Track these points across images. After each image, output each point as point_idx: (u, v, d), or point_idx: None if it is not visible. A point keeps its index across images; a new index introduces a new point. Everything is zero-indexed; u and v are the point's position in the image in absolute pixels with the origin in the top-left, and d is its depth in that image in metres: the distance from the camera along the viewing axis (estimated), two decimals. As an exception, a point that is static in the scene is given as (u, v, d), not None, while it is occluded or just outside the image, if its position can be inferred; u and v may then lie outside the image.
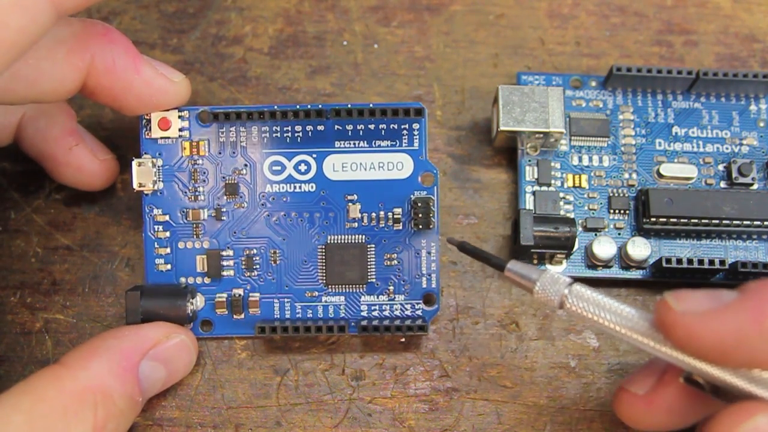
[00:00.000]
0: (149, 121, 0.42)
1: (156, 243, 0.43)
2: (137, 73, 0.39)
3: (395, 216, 0.42)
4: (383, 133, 0.42)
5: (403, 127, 0.42)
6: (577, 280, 0.43)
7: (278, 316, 0.43)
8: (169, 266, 0.43)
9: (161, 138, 0.42)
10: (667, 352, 0.34)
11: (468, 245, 0.39)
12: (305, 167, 0.42)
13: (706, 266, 0.41)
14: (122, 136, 0.45)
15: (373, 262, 0.42)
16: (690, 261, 0.41)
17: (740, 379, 0.33)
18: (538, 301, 0.36)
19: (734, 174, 0.44)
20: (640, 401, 0.36)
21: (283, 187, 0.43)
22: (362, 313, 0.42)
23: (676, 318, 0.32)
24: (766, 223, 0.42)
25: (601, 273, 0.44)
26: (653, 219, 0.43)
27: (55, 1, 0.32)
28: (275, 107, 0.41)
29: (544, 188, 0.44)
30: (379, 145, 0.42)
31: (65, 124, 0.42)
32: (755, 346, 0.31)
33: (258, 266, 0.43)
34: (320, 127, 0.42)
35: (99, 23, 0.38)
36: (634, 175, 0.44)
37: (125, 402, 0.37)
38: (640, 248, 0.43)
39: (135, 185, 0.42)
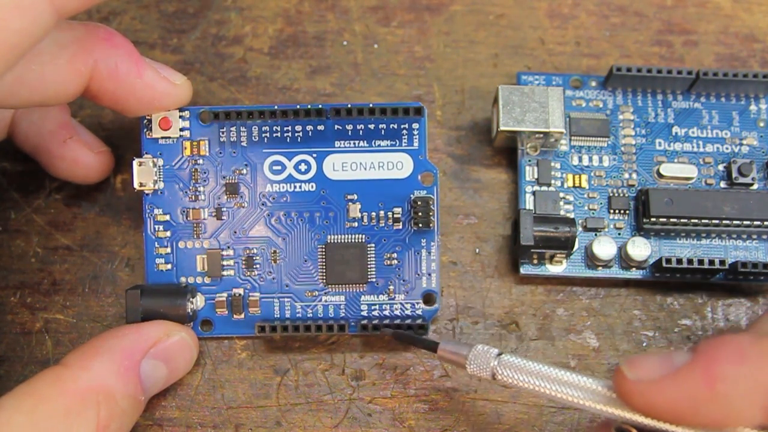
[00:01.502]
0: (150, 121, 0.42)
1: (156, 243, 0.43)
2: (139, 76, 0.39)
3: (395, 215, 0.42)
4: (383, 132, 0.42)
5: (402, 126, 0.42)
6: (578, 280, 0.43)
7: (278, 316, 0.43)
8: (169, 266, 0.43)
9: (162, 138, 0.42)
10: (598, 409, 0.34)
11: (401, 333, 0.41)
12: (305, 167, 0.43)
13: (706, 266, 0.41)
14: (122, 136, 0.45)
15: (373, 262, 0.42)
16: (690, 261, 0.41)
17: None
18: (473, 375, 0.37)
19: (734, 174, 0.44)
20: None
21: (283, 187, 0.43)
22: (362, 313, 0.42)
23: (631, 387, 0.33)
24: (766, 223, 0.42)
25: (601, 273, 0.44)
26: (653, 219, 0.43)
27: (56, 3, 0.32)
28: (275, 107, 0.41)
29: (544, 188, 0.44)
30: (379, 145, 0.42)
31: (59, 117, 0.42)
32: (710, 409, 0.31)
33: (258, 266, 0.43)
34: (320, 127, 0.42)
35: (101, 27, 0.38)
36: (634, 175, 0.44)
37: (128, 401, 0.37)
38: (640, 248, 0.43)
39: (136, 185, 0.42)
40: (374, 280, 0.42)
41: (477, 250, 0.45)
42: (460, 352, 0.37)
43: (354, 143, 0.42)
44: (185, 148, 0.42)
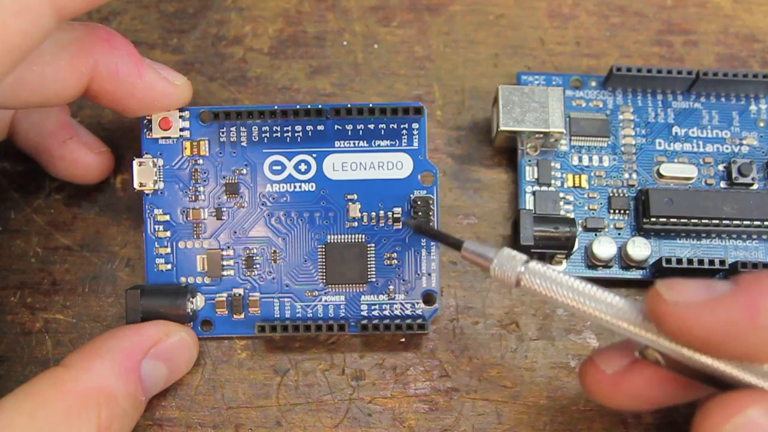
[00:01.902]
0: (150, 121, 0.42)
1: (156, 243, 0.43)
2: (140, 77, 0.39)
3: (395, 215, 0.42)
4: (383, 132, 0.42)
5: (402, 126, 0.42)
6: (581, 277, 0.43)
7: (278, 316, 0.43)
8: (169, 266, 0.43)
9: (162, 138, 0.42)
10: (623, 328, 0.34)
11: (424, 226, 0.40)
12: (305, 167, 0.43)
13: (706, 266, 0.41)
14: (122, 136, 0.45)
15: (373, 262, 0.42)
16: (690, 261, 0.41)
17: (732, 369, 0.32)
18: (495, 279, 0.36)
19: (734, 174, 0.44)
20: (606, 380, 0.35)
21: (283, 187, 0.43)
22: (362, 313, 0.42)
23: (668, 308, 0.32)
24: (766, 223, 0.43)
25: (601, 273, 0.44)
26: (653, 219, 0.43)
27: (57, 4, 0.32)
28: (275, 107, 0.41)
29: (544, 188, 0.44)
30: (379, 145, 0.42)
31: (59, 117, 0.42)
32: (747, 340, 0.31)
33: (258, 266, 0.43)
34: (320, 127, 0.42)
35: (102, 28, 0.38)
36: (634, 175, 0.44)
37: (129, 402, 0.37)
38: (640, 248, 0.43)
39: (136, 185, 0.42)
40: (374, 280, 0.42)
41: (477, 250, 0.45)
42: (485, 253, 0.36)
43: (354, 143, 0.42)
44: (185, 148, 0.42)
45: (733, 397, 0.32)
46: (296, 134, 0.42)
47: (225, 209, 0.43)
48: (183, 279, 0.43)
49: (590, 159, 0.45)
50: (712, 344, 0.31)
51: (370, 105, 0.41)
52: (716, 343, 0.31)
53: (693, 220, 0.42)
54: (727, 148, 0.45)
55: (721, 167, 0.45)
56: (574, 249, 0.43)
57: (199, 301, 0.42)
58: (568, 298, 0.34)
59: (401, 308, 0.42)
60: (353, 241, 0.42)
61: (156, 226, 0.43)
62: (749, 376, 0.32)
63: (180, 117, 0.42)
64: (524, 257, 0.35)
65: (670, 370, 0.34)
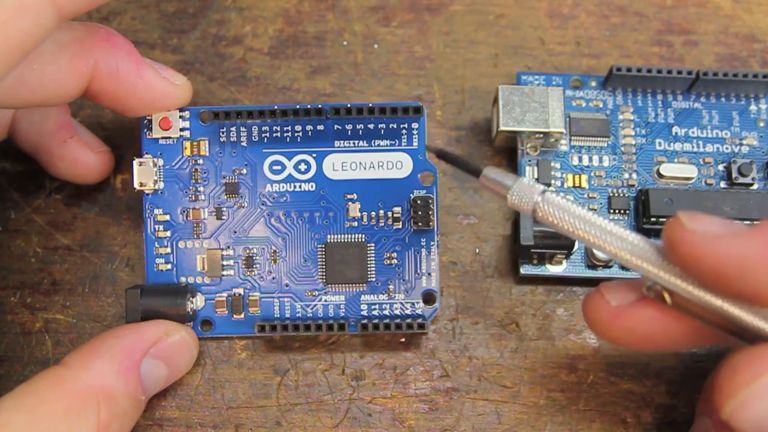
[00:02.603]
0: (150, 121, 0.42)
1: (156, 242, 0.43)
2: (140, 77, 0.39)
3: (395, 215, 0.42)
4: (383, 132, 0.42)
5: (402, 126, 0.42)
6: (578, 280, 0.43)
7: (278, 316, 0.43)
8: (169, 266, 0.43)
9: (162, 138, 0.42)
10: (633, 262, 0.34)
11: (445, 151, 0.39)
12: (305, 167, 0.43)
13: (706, 266, 0.41)
14: (122, 136, 0.45)
15: (373, 261, 0.42)
16: (690, 261, 0.41)
17: (737, 309, 0.32)
18: (512, 207, 0.36)
19: (734, 174, 0.44)
20: (609, 311, 0.35)
21: (283, 187, 0.43)
22: (362, 312, 0.42)
23: (685, 235, 0.32)
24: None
25: (601, 273, 0.44)
26: (653, 219, 0.43)
27: (58, 4, 0.32)
28: (275, 107, 0.41)
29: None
30: (379, 145, 0.42)
31: (59, 117, 0.43)
32: (758, 278, 0.31)
33: (258, 266, 0.43)
34: (320, 127, 0.42)
35: (102, 27, 0.38)
36: (634, 175, 0.44)
37: (128, 401, 0.37)
38: (640, 248, 0.43)
39: (136, 185, 0.42)
40: (374, 279, 0.42)
41: (477, 250, 0.45)
42: (504, 181, 0.36)
43: (353, 143, 0.42)
44: (185, 148, 0.42)
45: (757, 354, 0.32)
46: (296, 134, 0.42)
47: (225, 209, 0.43)
48: (183, 279, 0.43)
49: (590, 159, 0.45)
50: (722, 277, 0.31)
51: (370, 105, 0.41)
52: (727, 276, 0.31)
53: (693, 220, 0.42)
54: (727, 148, 0.45)
55: (721, 167, 0.45)
56: (574, 249, 0.43)
57: (199, 301, 0.42)
58: (581, 230, 0.35)
59: (401, 308, 0.42)
60: (353, 240, 0.42)
61: (156, 226, 0.43)
62: (754, 318, 0.32)
63: (180, 117, 0.42)
64: (541, 187, 0.36)
65: (676, 309, 0.34)
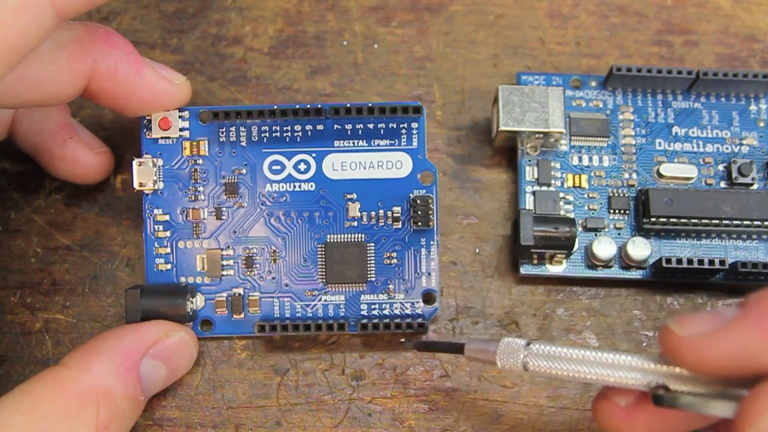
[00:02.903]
0: (150, 121, 0.42)
1: (156, 242, 0.43)
2: (139, 76, 0.39)
3: (394, 215, 0.42)
4: (382, 132, 0.42)
5: (401, 126, 0.42)
6: (578, 280, 0.43)
7: (278, 316, 0.43)
8: (169, 266, 0.43)
9: (162, 138, 0.42)
10: (640, 383, 0.34)
11: (422, 343, 0.41)
12: (305, 166, 0.43)
13: (706, 266, 0.41)
14: (122, 136, 0.45)
15: (373, 261, 0.42)
16: (690, 261, 0.41)
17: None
18: (505, 370, 0.37)
19: (734, 174, 0.44)
20: (621, 413, 0.35)
21: (282, 187, 0.43)
22: (362, 312, 0.42)
23: (682, 343, 0.32)
24: (766, 223, 0.42)
25: (601, 273, 0.44)
26: (653, 219, 0.43)
27: (57, 4, 0.32)
28: (275, 107, 0.41)
29: (544, 188, 0.44)
30: (378, 144, 0.42)
31: (59, 117, 0.43)
32: (763, 357, 0.31)
33: (258, 266, 0.43)
34: (319, 127, 0.42)
35: (101, 27, 0.38)
36: (634, 175, 0.44)
37: (127, 402, 0.37)
38: (640, 248, 0.43)
39: (135, 185, 0.42)
40: (374, 279, 0.42)
41: (477, 250, 0.45)
42: (487, 348, 0.36)
43: (353, 143, 0.42)
44: (185, 148, 0.42)
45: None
46: (296, 134, 0.42)
47: (225, 209, 0.43)
48: (183, 279, 0.43)
49: (590, 159, 0.45)
50: (730, 368, 0.32)
51: (369, 104, 0.41)
52: (733, 366, 0.32)
53: (693, 220, 0.42)
54: (727, 148, 0.45)
55: (721, 167, 0.45)
56: (574, 249, 0.43)
57: (198, 301, 0.42)
58: (577, 372, 0.35)
59: (401, 308, 0.42)
60: (353, 240, 0.42)
61: (156, 226, 0.43)
62: None
63: (180, 117, 0.42)
64: (524, 341, 0.36)
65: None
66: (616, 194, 0.44)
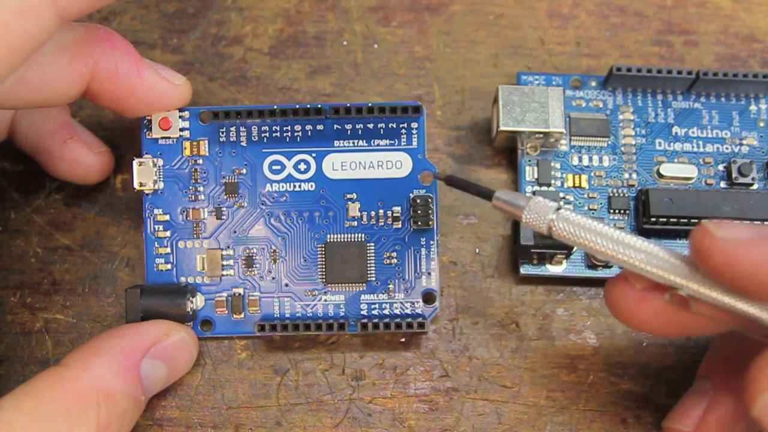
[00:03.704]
0: (150, 121, 0.42)
1: (156, 242, 0.43)
2: (139, 77, 0.39)
3: (394, 214, 0.42)
4: (382, 132, 0.42)
5: (401, 126, 0.42)
6: (578, 280, 0.43)
7: (278, 316, 0.43)
8: (169, 266, 0.43)
9: (162, 138, 0.42)
10: (656, 273, 0.34)
11: (455, 177, 0.39)
12: (305, 166, 0.43)
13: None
14: (122, 136, 0.45)
15: (373, 261, 0.42)
16: (690, 261, 0.41)
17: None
18: (527, 227, 0.36)
19: (734, 174, 0.44)
20: (633, 296, 0.35)
21: (282, 187, 0.43)
22: (362, 312, 0.42)
23: (715, 243, 0.32)
24: (766, 223, 0.42)
25: (601, 273, 0.44)
26: (653, 219, 0.43)
27: (59, 6, 0.32)
28: (275, 107, 0.41)
29: (544, 188, 0.44)
30: (378, 144, 0.42)
31: (59, 117, 0.43)
32: None
33: (258, 265, 0.43)
34: (319, 127, 0.42)
35: (101, 28, 0.38)
36: (634, 175, 0.44)
37: (128, 401, 0.37)
38: (640, 248, 0.43)
39: (136, 185, 0.42)
40: (374, 279, 0.42)
41: (477, 250, 0.45)
42: (517, 202, 0.36)
43: (353, 142, 0.43)
44: (185, 148, 0.42)
45: None
46: (296, 134, 0.42)
47: (225, 209, 0.43)
48: (183, 279, 0.43)
49: (590, 159, 0.45)
50: (757, 281, 0.31)
51: (369, 104, 0.41)
52: (761, 279, 0.31)
53: (693, 220, 0.42)
54: (727, 148, 0.45)
55: (721, 167, 0.45)
56: (574, 249, 0.43)
57: (198, 301, 0.42)
58: (600, 245, 0.35)
59: (401, 307, 0.42)
60: (353, 240, 0.42)
61: (156, 226, 0.43)
62: None
63: (180, 117, 0.42)
64: (555, 205, 0.36)
65: (700, 315, 0.34)
66: (616, 194, 0.44)
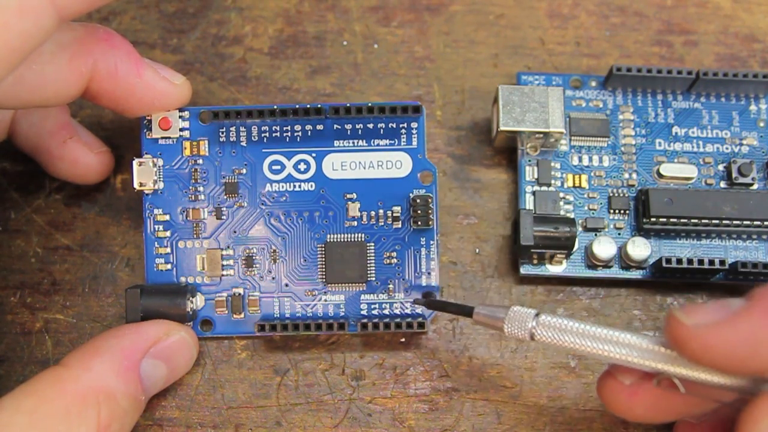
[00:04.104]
0: (150, 121, 0.42)
1: (156, 242, 0.43)
2: (139, 76, 0.39)
3: (394, 214, 0.42)
4: (382, 132, 0.42)
5: (401, 125, 0.42)
6: (578, 280, 0.43)
7: (278, 316, 0.43)
8: (169, 266, 0.43)
9: (162, 138, 0.42)
10: (641, 364, 0.34)
11: (434, 300, 0.41)
12: (305, 166, 0.43)
13: (706, 266, 0.41)
14: (122, 136, 0.45)
15: (373, 261, 0.42)
16: (690, 261, 0.41)
17: (755, 384, 0.32)
18: (510, 337, 0.37)
19: (734, 174, 0.44)
20: (624, 391, 0.36)
21: (282, 187, 0.43)
22: (362, 312, 0.42)
23: (689, 331, 0.32)
24: (766, 223, 0.42)
25: (601, 273, 0.44)
26: (653, 219, 0.43)
27: (58, 6, 0.32)
28: (275, 107, 0.41)
29: (544, 188, 0.44)
30: (378, 144, 0.42)
31: (58, 117, 0.43)
32: None
33: (258, 265, 0.43)
34: (319, 127, 0.42)
35: (101, 28, 0.38)
36: (634, 175, 0.44)
37: (128, 401, 0.37)
38: (640, 248, 0.43)
39: (136, 185, 0.42)
40: (374, 279, 0.42)
41: (477, 250, 0.45)
42: (496, 315, 0.37)
43: (353, 142, 0.43)
44: (185, 148, 0.42)
45: None
46: (296, 134, 0.42)
47: (225, 209, 0.43)
48: (183, 279, 0.43)
49: (590, 159, 0.45)
50: (735, 359, 0.32)
51: (369, 104, 0.41)
52: (739, 358, 0.31)
53: (693, 220, 0.42)
54: (727, 148, 0.45)
55: (721, 167, 0.45)
56: (574, 249, 0.43)
57: (198, 301, 0.42)
58: (581, 345, 0.35)
59: (401, 307, 0.42)
60: (353, 240, 0.42)
61: (156, 226, 0.43)
62: None
63: (180, 117, 0.42)
64: (533, 312, 0.36)
65: (690, 395, 0.34)
66: (616, 194, 0.44)
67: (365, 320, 0.41)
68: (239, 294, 0.43)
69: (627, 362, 0.34)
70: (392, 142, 0.42)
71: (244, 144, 0.42)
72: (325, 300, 0.43)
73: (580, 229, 0.44)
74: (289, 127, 0.42)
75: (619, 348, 0.34)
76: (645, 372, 0.35)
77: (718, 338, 0.32)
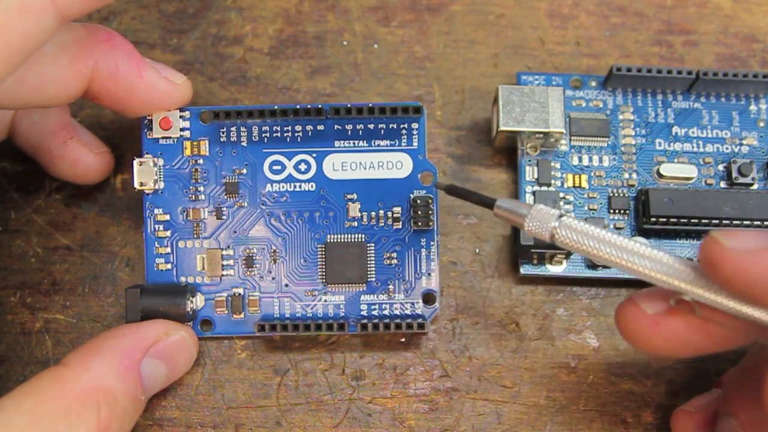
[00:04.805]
0: (150, 121, 0.42)
1: (156, 242, 0.43)
2: (140, 77, 0.39)
3: (395, 215, 0.42)
4: (382, 132, 0.42)
5: (402, 126, 0.42)
6: (578, 280, 0.43)
7: (278, 316, 0.43)
8: (169, 266, 0.43)
9: (162, 138, 0.42)
10: (659, 279, 0.33)
11: (456, 187, 0.39)
12: (305, 166, 0.43)
13: (706, 266, 0.41)
14: (122, 136, 0.45)
15: (373, 261, 0.42)
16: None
17: None
18: (530, 235, 0.36)
19: (734, 174, 0.44)
20: (647, 320, 0.35)
21: (283, 187, 0.43)
22: (362, 312, 0.42)
23: (725, 254, 0.31)
24: (766, 223, 0.42)
25: (601, 273, 0.44)
26: (653, 219, 0.42)
27: (59, 6, 0.32)
28: (275, 107, 0.41)
29: (544, 188, 0.44)
30: (379, 145, 0.42)
31: (59, 117, 0.43)
32: None
33: (258, 265, 0.43)
34: (320, 127, 0.42)
35: (102, 28, 0.38)
36: (634, 175, 0.44)
37: (128, 401, 0.37)
38: (640, 248, 0.43)
39: (136, 185, 0.42)
40: (374, 279, 0.42)
41: (477, 250, 0.45)
42: (518, 210, 0.36)
43: (353, 143, 0.43)
44: (185, 148, 0.42)
45: None
46: (296, 134, 0.42)
47: (225, 209, 0.43)
48: (183, 278, 0.43)
49: (590, 159, 0.45)
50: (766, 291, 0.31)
51: (370, 105, 0.41)
52: None
53: (693, 220, 0.42)
54: (727, 148, 0.45)
55: (721, 167, 0.45)
56: (575, 249, 0.43)
57: (198, 301, 0.42)
58: (603, 252, 0.34)
59: (401, 308, 0.42)
60: (353, 240, 0.42)
61: (156, 226, 0.43)
62: None
63: (180, 117, 0.42)
64: (557, 212, 0.35)
65: (705, 320, 0.34)
66: (616, 194, 0.44)
67: (365, 320, 0.41)
68: (239, 294, 0.43)
69: (646, 276, 0.34)
70: (393, 142, 0.42)
71: (244, 144, 0.43)
72: (325, 300, 0.43)
73: (580, 229, 0.44)
74: (289, 128, 0.42)
75: (641, 259, 0.34)
76: (668, 304, 0.34)
77: (755, 265, 0.31)
